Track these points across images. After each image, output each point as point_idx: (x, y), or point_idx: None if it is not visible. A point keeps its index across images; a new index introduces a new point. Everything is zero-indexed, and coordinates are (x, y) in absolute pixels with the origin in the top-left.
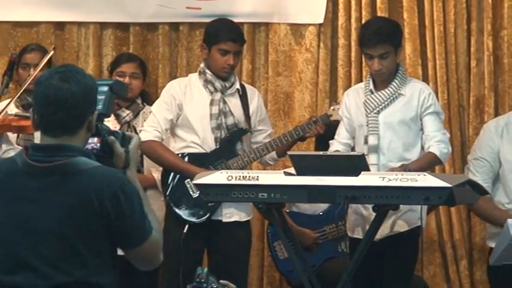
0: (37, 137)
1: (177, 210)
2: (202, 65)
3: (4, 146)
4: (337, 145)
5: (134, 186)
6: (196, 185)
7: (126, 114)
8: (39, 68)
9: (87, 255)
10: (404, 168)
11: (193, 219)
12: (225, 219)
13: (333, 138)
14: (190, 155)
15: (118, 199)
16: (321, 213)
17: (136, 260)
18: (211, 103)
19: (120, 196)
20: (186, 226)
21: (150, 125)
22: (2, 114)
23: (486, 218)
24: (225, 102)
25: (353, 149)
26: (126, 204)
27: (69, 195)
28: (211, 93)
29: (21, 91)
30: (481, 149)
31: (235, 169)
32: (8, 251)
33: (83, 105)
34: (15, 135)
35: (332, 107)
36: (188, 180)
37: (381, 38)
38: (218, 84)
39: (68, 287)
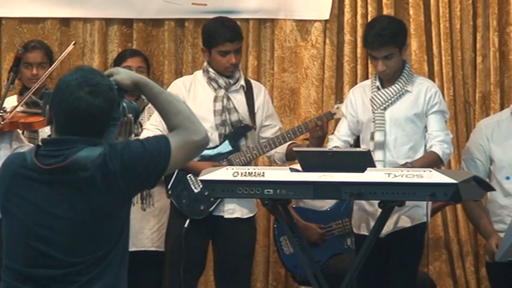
0: (42, 134)
1: (178, 205)
2: (205, 64)
3: (14, 144)
4: (337, 141)
5: (126, 142)
6: (201, 181)
7: None
8: (54, 65)
9: (103, 243)
10: (407, 167)
11: (193, 215)
12: (226, 215)
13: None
14: None
15: (130, 166)
16: (328, 209)
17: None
18: (215, 99)
19: (129, 160)
20: (187, 221)
21: (152, 124)
22: (12, 114)
23: (473, 224)
24: (228, 99)
25: (357, 145)
26: (138, 160)
27: (80, 189)
28: (215, 90)
29: (32, 90)
30: (473, 148)
31: (237, 165)
32: (26, 244)
33: (106, 120)
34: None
35: (336, 105)
36: (190, 175)
37: (384, 40)
38: (222, 81)
39: (85, 274)
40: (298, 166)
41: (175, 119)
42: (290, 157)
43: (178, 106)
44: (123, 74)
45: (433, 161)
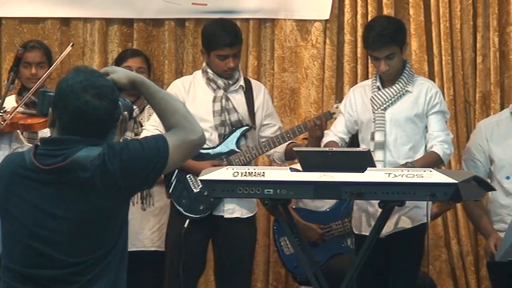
0: (41, 134)
1: (178, 205)
2: (204, 64)
3: (13, 145)
4: (333, 136)
5: (125, 142)
6: (201, 181)
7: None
8: (53, 66)
9: (102, 243)
10: (408, 166)
11: (193, 215)
12: (226, 215)
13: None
14: None
15: (129, 166)
16: (328, 210)
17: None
18: (214, 100)
19: (128, 160)
20: (187, 221)
21: (152, 125)
22: (12, 115)
23: (473, 223)
24: (227, 99)
25: (356, 145)
26: (137, 160)
27: (80, 189)
28: (214, 90)
29: (32, 91)
30: (473, 149)
31: (237, 165)
32: (26, 244)
33: (110, 122)
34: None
35: (335, 105)
36: (190, 175)
37: (385, 40)
38: (221, 82)
39: (84, 275)
40: (298, 166)
41: (172, 118)
42: (289, 157)
43: (175, 105)
44: (120, 73)
45: (433, 161)
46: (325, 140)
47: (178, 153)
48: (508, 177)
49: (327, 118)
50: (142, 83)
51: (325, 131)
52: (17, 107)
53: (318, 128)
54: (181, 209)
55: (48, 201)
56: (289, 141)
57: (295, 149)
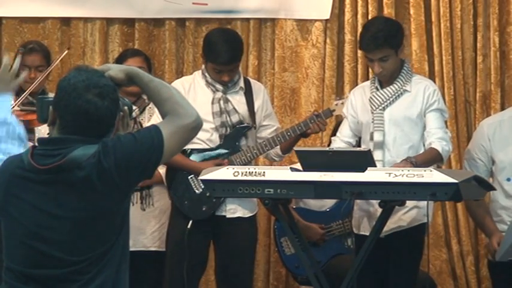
0: (39, 132)
1: (180, 207)
2: (203, 66)
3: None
4: (339, 142)
5: (117, 137)
6: (202, 180)
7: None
8: (49, 69)
9: (103, 240)
10: (410, 161)
11: (196, 216)
12: (228, 215)
13: None
14: (193, 150)
15: (123, 162)
16: (327, 210)
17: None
18: (213, 101)
19: (122, 156)
20: (190, 222)
21: None
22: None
23: (477, 224)
24: (227, 101)
25: (358, 146)
26: (131, 154)
27: (78, 188)
28: (214, 92)
29: (28, 92)
30: (475, 149)
31: (238, 165)
32: (27, 245)
33: (112, 121)
34: None
35: (335, 102)
36: (192, 176)
37: (378, 43)
38: (219, 85)
39: (86, 273)
40: (298, 166)
41: (165, 105)
42: (285, 150)
43: (168, 92)
44: (114, 69)
45: (433, 158)
46: (332, 146)
47: (175, 140)
48: (508, 179)
49: (327, 116)
50: (137, 74)
51: (332, 138)
52: (14, 105)
53: (318, 126)
54: (183, 211)
55: (47, 201)
56: None
57: (295, 149)
